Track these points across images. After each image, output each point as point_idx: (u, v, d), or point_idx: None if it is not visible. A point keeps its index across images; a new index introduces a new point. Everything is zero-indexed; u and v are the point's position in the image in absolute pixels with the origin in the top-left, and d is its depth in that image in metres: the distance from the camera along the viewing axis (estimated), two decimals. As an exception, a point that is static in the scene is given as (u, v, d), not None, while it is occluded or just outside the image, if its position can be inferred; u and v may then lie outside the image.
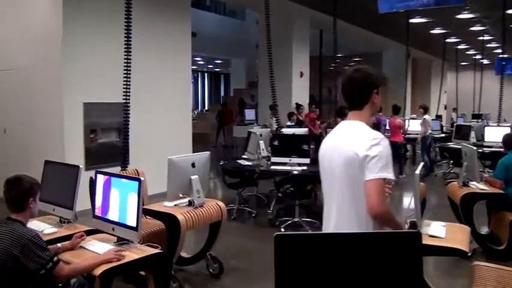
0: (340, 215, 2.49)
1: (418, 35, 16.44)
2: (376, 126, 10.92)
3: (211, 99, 32.27)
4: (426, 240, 3.65)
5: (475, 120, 21.05)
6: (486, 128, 10.46)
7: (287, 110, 12.66)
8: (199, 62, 27.37)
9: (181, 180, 4.59)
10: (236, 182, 7.71)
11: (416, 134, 13.23)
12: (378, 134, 2.46)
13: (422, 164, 4.07)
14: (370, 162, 2.35)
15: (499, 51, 21.29)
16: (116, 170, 6.35)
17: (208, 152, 4.99)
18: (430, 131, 12.63)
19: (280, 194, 7.47)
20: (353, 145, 2.41)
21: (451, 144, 10.95)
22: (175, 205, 4.58)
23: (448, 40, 17.99)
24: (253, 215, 7.55)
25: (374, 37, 18.08)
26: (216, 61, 26.82)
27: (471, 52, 22.06)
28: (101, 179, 3.45)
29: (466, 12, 13.47)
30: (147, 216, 4.57)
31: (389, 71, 21.39)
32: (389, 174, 2.37)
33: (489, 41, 18.22)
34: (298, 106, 13.04)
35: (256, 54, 19.07)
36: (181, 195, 4.64)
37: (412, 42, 15.96)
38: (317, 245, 1.82)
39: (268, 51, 8.77)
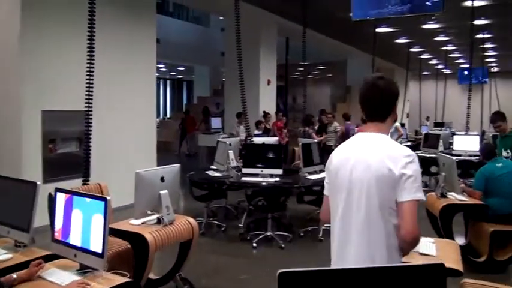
0: (365, 236, 2.19)
1: (382, 44, 16.48)
2: (345, 136, 10.75)
3: (173, 106, 31.74)
4: (418, 259, 3.43)
5: (438, 128, 21.33)
6: (455, 136, 10.44)
7: (255, 118, 12.39)
8: (162, 69, 26.84)
9: (150, 196, 4.22)
10: (204, 194, 7.35)
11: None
12: (410, 150, 2.22)
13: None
14: (407, 182, 2.11)
15: (461, 61, 21.73)
16: (77, 182, 5.92)
17: (178, 165, 4.64)
18: (400, 139, 12.64)
19: (251, 207, 7.15)
20: (386, 161, 2.15)
21: (419, 153, 10.90)
22: (142, 223, 4.21)
23: (412, 50, 18.12)
24: (223, 228, 7.20)
25: (339, 45, 18.05)
26: (179, 68, 26.36)
27: (434, 62, 22.36)
28: (61, 198, 3.05)
29: (432, 22, 13.55)
30: (111, 235, 4.18)
31: (353, 80, 21.49)
32: (422, 195, 2.15)
33: (452, 51, 18.46)
34: (266, 114, 12.80)
35: (221, 62, 18.83)
36: (149, 212, 4.28)
37: (376, 51, 15.99)
38: (331, 282, 1.53)
39: (238, 56, 8.48)
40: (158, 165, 9.42)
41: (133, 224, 4.16)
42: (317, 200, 6.95)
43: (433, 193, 6.05)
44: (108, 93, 7.89)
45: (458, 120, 22.17)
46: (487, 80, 19.07)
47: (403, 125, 19.70)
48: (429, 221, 6.02)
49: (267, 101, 13.09)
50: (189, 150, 17.36)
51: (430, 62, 22.31)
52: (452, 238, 5.32)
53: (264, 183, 6.52)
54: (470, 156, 10.15)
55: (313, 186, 6.82)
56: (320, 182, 6.79)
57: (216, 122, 12.99)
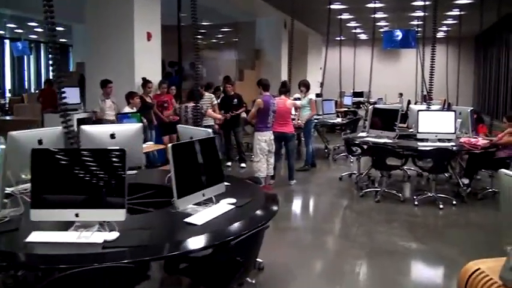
0: None
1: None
2: (265, 113, 6.82)
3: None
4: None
5: (356, 99, 18.18)
6: (420, 113, 6.80)
7: (129, 87, 8.16)
8: (37, 29, 21.34)
9: None
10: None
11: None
12: None
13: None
14: None
15: (384, 23, 18.49)
16: None
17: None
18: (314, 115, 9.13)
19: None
20: None
21: (368, 138, 7.17)
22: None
23: (333, 6, 14.42)
24: None
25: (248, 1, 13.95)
26: (57, 28, 20.95)
27: (353, 24, 18.92)
28: None
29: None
30: None
31: (263, 43, 17.54)
32: None
33: (378, 10, 14.99)
34: (146, 83, 8.53)
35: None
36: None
37: (290, 9, 12.23)
38: None
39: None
40: None
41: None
42: (196, 269, 3.00)
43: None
44: None
45: (375, 90, 19.26)
46: (414, 44, 15.93)
47: (318, 95, 16.34)
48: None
49: (147, 64, 8.78)
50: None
51: (349, 25, 18.83)
52: None
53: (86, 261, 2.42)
54: (441, 141, 6.65)
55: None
56: (218, 229, 2.84)
57: (71, 94, 8.34)
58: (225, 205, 3.20)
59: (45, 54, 26.19)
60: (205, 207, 3.14)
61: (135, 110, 7.42)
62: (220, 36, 21.16)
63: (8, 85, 24.75)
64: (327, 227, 5.79)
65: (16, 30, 21.74)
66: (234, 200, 3.28)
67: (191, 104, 7.30)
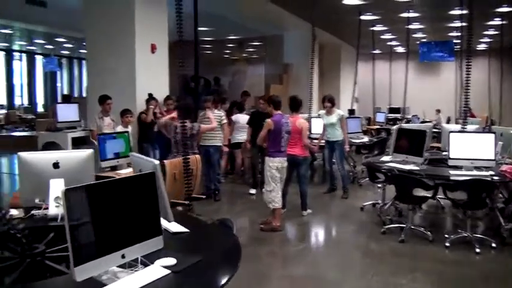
0: None
1: (328, 9, 11.85)
2: (275, 135, 5.91)
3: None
4: None
5: (392, 115, 16.88)
6: (452, 135, 5.72)
7: (130, 104, 7.46)
8: (66, 45, 21.21)
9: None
10: None
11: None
12: None
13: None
14: None
15: (421, 35, 17.26)
16: None
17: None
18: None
19: None
20: None
21: (392, 163, 6.12)
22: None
23: (363, 17, 13.40)
24: None
25: (275, 13, 13.08)
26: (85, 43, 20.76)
27: (387, 36, 17.74)
28: None
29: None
30: None
31: (292, 57, 16.64)
32: None
33: (413, 20, 13.83)
34: (150, 99, 7.81)
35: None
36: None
37: (319, 20, 11.36)
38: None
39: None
40: None
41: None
42: None
43: None
44: None
45: (413, 105, 18.02)
46: (452, 57, 14.66)
47: (352, 111, 15.38)
48: None
49: (151, 77, 8.05)
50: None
51: (383, 37, 17.69)
52: None
53: None
54: (478, 169, 5.55)
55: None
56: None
57: (66, 112, 7.69)
58: (158, 269, 2.31)
59: (78, 69, 26.23)
60: (131, 271, 2.27)
61: (129, 129, 6.65)
62: (248, 50, 20.47)
63: (41, 100, 24.88)
64: (336, 276, 4.74)
65: (47, 46, 21.71)
66: (173, 261, 2.37)
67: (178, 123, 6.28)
